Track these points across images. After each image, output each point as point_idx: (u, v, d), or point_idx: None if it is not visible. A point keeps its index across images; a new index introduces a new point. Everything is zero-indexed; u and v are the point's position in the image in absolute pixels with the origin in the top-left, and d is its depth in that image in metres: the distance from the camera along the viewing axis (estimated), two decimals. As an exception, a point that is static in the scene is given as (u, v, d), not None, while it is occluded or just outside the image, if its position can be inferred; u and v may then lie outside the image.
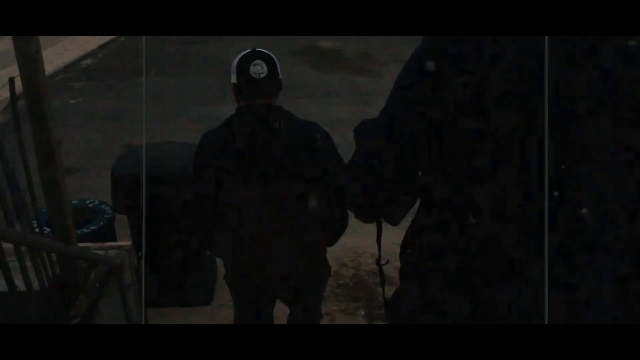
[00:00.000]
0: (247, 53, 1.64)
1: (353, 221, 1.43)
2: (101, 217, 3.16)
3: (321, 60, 9.27)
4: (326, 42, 10.08)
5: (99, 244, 2.17)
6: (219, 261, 3.39)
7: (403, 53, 1.39)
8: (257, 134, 1.58)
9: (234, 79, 1.63)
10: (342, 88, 8.21)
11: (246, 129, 1.59)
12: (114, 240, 3.23)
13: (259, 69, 1.58)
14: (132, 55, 9.21)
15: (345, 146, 1.51)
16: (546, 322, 0.88)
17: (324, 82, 8.49)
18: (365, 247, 3.73)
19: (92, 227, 3.04)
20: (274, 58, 1.66)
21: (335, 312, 3.35)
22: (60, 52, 9.72)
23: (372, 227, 1.23)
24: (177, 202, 3.05)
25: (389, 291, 1.19)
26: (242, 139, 1.58)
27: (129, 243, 2.22)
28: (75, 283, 1.83)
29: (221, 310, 3.41)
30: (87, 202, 3.35)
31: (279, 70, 1.64)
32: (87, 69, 9.62)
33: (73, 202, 3.38)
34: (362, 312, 3.33)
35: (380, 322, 3.07)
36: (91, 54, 10.10)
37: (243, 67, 1.60)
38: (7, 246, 1.38)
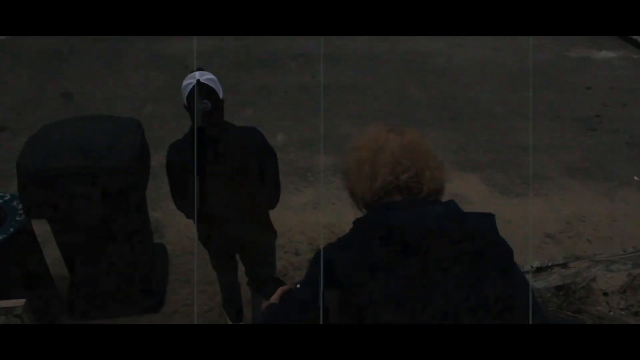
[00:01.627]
0: (193, 89, 1.91)
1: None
2: (12, 220, 2.49)
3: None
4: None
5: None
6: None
7: None
8: (210, 146, 2.01)
9: (185, 102, 1.99)
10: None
11: (201, 143, 1.94)
12: (35, 247, 2.62)
13: (205, 106, 1.91)
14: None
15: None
16: (530, 322, 1.04)
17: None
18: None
19: (0, 236, 2.39)
20: (217, 84, 1.98)
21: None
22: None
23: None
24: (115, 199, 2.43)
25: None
26: (199, 149, 1.94)
27: (21, 302, 1.59)
28: None
29: (174, 316, 2.90)
30: (-4, 196, 2.67)
31: (220, 96, 2.00)
32: (18, -4, 8.37)
33: (-22, 197, 2.70)
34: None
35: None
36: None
37: (191, 103, 1.93)
38: None
